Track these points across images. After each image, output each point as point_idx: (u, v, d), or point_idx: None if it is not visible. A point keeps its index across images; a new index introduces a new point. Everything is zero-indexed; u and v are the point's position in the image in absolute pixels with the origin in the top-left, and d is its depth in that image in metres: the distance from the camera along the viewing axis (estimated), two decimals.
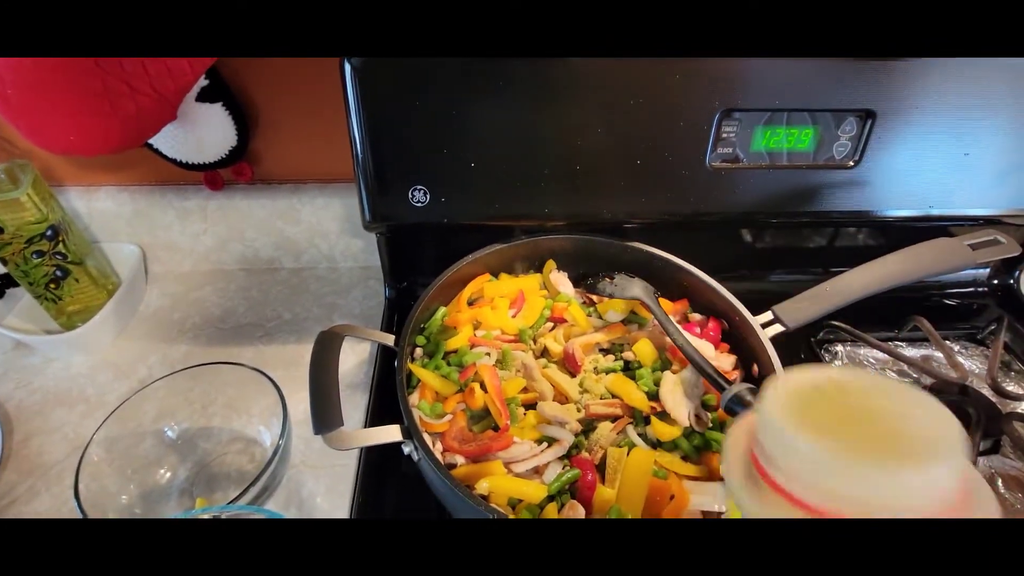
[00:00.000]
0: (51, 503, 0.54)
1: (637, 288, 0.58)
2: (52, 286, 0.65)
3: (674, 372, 0.53)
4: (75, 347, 0.67)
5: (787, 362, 0.51)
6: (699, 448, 0.48)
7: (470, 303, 0.61)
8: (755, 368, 0.54)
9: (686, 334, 0.53)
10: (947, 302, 0.76)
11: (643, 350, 0.55)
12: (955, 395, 0.60)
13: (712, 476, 0.47)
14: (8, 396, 0.64)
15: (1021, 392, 0.64)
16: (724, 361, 0.55)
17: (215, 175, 0.72)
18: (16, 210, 0.59)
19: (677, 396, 0.50)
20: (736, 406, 0.44)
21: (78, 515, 0.45)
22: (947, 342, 0.68)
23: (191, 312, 0.75)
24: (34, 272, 0.63)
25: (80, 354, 0.68)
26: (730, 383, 0.46)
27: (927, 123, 0.56)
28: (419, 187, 0.57)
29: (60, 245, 0.63)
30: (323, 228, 0.78)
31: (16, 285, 0.67)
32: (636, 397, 0.50)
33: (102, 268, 0.72)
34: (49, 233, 0.62)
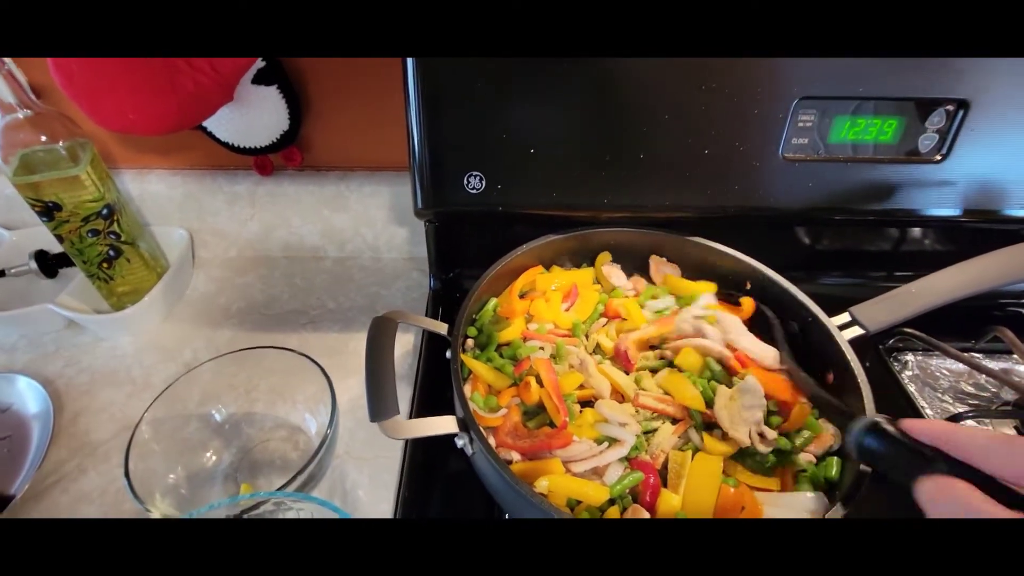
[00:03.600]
0: (99, 481, 0.54)
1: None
2: (105, 265, 0.65)
3: (740, 377, 0.49)
4: (124, 328, 0.68)
5: None
6: (767, 463, 0.45)
7: (521, 296, 0.59)
8: (830, 376, 0.50)
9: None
10: None
11: (688, 361, 0.50)
12: None
13: (784, 488, 0.44)
14: (58, 374, 0.64)
15: None
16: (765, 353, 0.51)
17: (265, 160, 0.72)
18: (75, 187, 0.59)
19: (734, 412, 0.46)
20: (872, 441, 0.33)
21: (127, 493, 0.45)
22: None
23: (236, 297, 0.75)
24: (88, 251, 0.63)
25: (128, 335, 0.68)
26: (844, 411, 0.41)
27: None
28: (475, 173, 0.55)
29: (114, 224, 0.64)
30: (369, 216, 0.77)
31: (70, 265, 0.68)
32: (689, 395, 0.47)
33: (152, 251, 0.72)
34: (105, 212, 0.62)
